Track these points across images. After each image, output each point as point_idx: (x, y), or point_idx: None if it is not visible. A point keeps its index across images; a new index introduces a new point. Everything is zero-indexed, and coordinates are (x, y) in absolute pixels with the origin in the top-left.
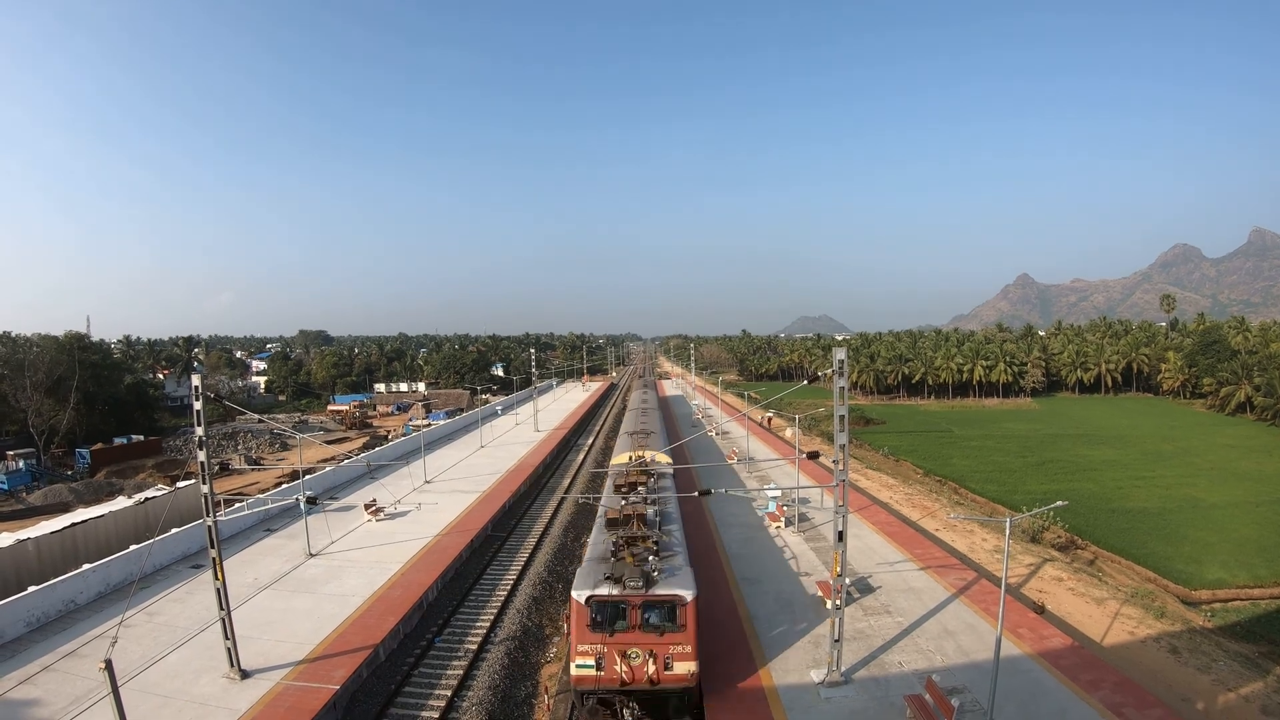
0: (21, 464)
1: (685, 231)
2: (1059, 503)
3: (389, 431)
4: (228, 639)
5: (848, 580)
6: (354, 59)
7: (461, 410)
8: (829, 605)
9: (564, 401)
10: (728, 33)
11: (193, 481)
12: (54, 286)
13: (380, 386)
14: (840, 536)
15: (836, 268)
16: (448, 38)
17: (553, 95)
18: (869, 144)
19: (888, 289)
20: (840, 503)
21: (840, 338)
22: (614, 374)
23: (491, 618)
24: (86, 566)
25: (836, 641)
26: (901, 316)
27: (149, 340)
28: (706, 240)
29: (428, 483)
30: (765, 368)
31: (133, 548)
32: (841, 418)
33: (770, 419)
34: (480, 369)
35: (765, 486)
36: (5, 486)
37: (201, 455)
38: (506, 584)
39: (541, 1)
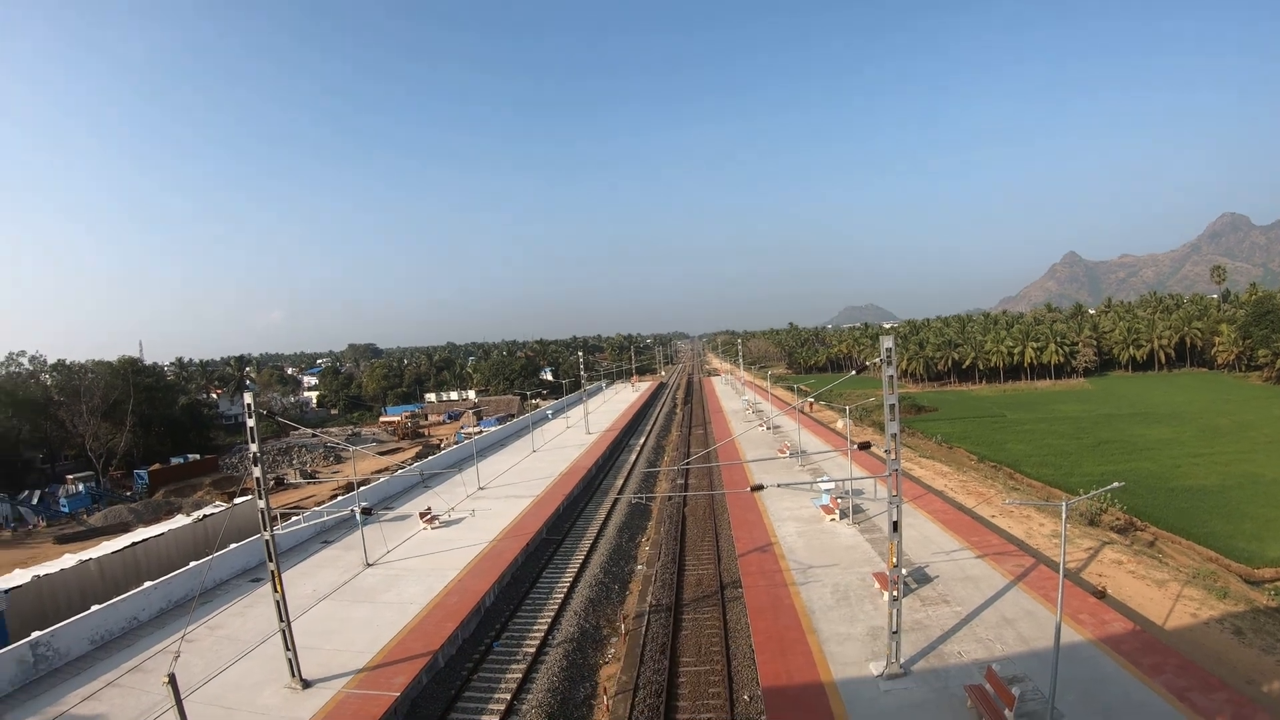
0: (81, 487)
1: (732, 226)
2: (1116, 484)
3: (441, 440)
4: (288, 650)
5: (904, 570)
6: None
7: (512, 416)
8: (886, 596)
9: (614, 403)
10: (772, 29)
11: (249, 497)
12: (100, 309)
13: (431, 396)
14: (895, 526)
15: (882, 255)
16: (458, 54)
17: (591, 106)
18: (915, 133)
19: (933, 274)
20: (894, 492)
21: (888, 326)
22: (663, 373)
23: (549, 621)
24: (148, 584)
25: (895, 633)
26: (949, 301)
27: (201, 361)
28: (753, 233)
29: (481, 489)
30: (814, 360)
31: (192, 564)
32: (892, 406)
33: (810, 404)
34: (529, 374)
35: (818, 479)
36: (66, 509)
37: (257, 471)
38: (563, 587)
39: (572, 18)
